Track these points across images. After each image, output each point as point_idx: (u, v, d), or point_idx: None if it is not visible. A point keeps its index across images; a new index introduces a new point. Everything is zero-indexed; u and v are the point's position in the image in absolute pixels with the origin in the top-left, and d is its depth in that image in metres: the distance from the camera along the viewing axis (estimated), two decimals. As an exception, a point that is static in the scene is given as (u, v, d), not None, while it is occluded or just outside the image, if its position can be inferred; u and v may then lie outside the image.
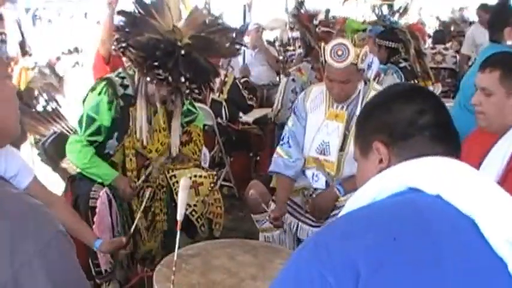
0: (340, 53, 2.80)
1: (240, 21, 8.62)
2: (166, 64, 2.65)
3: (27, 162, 2.33)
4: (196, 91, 2.84)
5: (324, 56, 2.85)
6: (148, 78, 2.77)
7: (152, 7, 2.71)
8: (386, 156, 1.16)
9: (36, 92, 3.36)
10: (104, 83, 2.87)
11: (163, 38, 2.67)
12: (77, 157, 2.90)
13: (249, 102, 4.66)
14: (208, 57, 2.81)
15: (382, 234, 0.97)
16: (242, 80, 5.32)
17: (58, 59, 5.11)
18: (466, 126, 2.46)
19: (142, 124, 2.89)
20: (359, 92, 2.96)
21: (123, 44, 2.71)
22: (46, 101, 3.34)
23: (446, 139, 1.15)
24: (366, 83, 3.03)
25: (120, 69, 3.00)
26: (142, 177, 3.00)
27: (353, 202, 1.13)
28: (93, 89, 2.89)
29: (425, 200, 1.02)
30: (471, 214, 0.98)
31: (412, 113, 1.15)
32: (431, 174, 1.05)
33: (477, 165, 2.04)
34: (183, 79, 2.69)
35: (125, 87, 2.89)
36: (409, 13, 5.73)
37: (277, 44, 8.08)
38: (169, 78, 2.68)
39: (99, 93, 2.85)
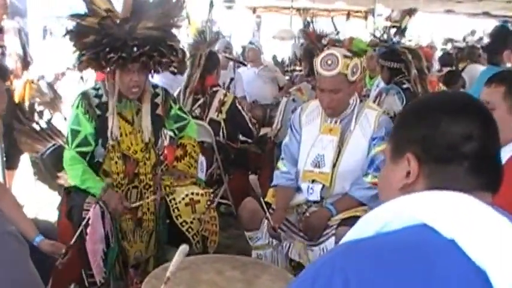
0: (329, 62, 2.86)
1: (249, 38, 8.76)
2: (116, 45, 2.79)
3: None
4: (158, 58, 2.92)
5: (316, 67, 2.92)
6: (108, 69, 2.91)
7: (85, 12, 2.84)
8: (416, 172, 1.06)
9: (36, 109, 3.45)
10: (79, 97, 3.02)
11: (104, 27, 2.80)
12: (71, 174, 3.01)
13: (251, 126, 4.56)
14: (159, 26, 2.92)
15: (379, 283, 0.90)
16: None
17: (63, 74, 5.18)
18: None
19: (109, 121, 2.97)
20: (353, 109, 3.01)
21: (82, 58, 2.86)
22: (47, 121, 3.43)
23: (485, 172, 1.04)
24: (361, 101, 3.09)
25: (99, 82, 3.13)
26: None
27: (364, 224, 1.03)
28: (72, 105, 3.04)
29: (437, 243, 0.92)
30: (485, 267, 0.89)
31: (458, 136, 1.03)
32: (450, 215, 0.94)
33: None
34: (135, 49, 2.81)
35: (100, 96, 3.01)
36: (412, 34, 5.73)
37: (288, 58, 8.14)
38: (123, 54, 2.80)
39: (77, 107, 2.99)
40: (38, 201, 3.86)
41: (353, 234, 1.03)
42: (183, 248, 2.11)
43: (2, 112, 1.38)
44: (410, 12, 5.52)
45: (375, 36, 5.49)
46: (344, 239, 1.04)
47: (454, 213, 0.95)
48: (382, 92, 4.52)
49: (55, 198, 3.49)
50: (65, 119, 3.58)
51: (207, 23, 4.64)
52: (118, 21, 2.83)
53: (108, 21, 2.81)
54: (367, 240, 0.98)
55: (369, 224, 1.01)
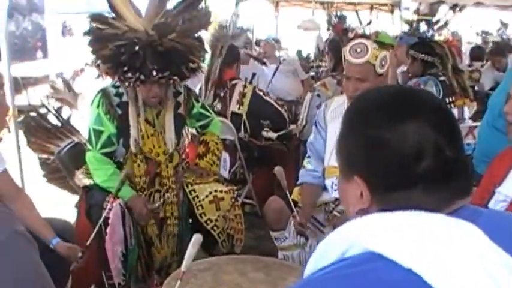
0: (358, 50, 2.79)
1: (271, 32, 8.73)
2: (134, 64, 2.66)
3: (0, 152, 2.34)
4: (179, 76, 2.82)
5: (344, 55, 2.85)
6: (126, 84, 2.77)
7: (107, 17, 2.73)
8: (367, 197, 0.93)
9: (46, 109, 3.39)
10: (99, 95, 2.91)
11: (125, 41, 2.68)
12: (97, 174, 2.92)
13: (279, 109, 4.35)
14: (183, 37, 2.78)
15: None
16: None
17: (82, 70, 5.16)
18: (494, 145, 2.36)
19: (132, 127, 2.88)
20: None
21: (100, 69, 2.75)
22: (56, 116, 3.36)
23: (447, 184, 0.89)
24: None
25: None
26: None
27: (325, 249, 0.92)
28: (91, 103, 2.93)
29: (394, 278, 0.81)
30: None
31: (406, 159, 0.87)
32: (407, 240, 0.82)
33: (500, 180, 1.95)
34: (154, 73, 2.68)
35: (120, 95, 2.91)
36: (449, 27, 5.60)
37: (314, 53, 8.05)
38: (141, 76, 2.69)
39: (97, 106, 2.88)
40: (53, 200, 3.80)
41: (316, 259, 0.92)
42: (197, 238, 2.01)
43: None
44: (454, 8, 5.43)
45: (411, 28, 5.40)
46: (310, 262, 0.93)
47: (408, 238, 0.82)
48: (421, 84, 4.39)
49: (69, 197, 3.42)
50: (82, 116, 3.51)
51: (232, 16, 4.54)
52: (139, 37, 2.68)
53: (129, 34, 2.69)
54: (322, 275, 0.87)
55: (330, 250, 0.90)
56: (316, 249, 0.92)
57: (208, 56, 4.35)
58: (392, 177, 0.89)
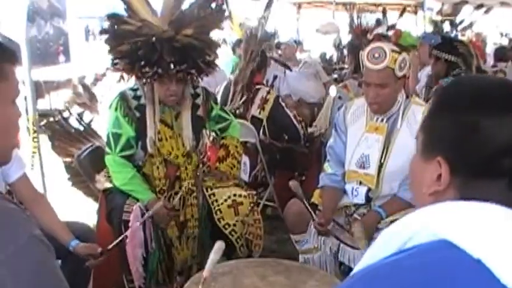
0: (376, 55, 2.73)
1: (293, 34, 8.71)
2: (151, 59, 2.66)
3: (20, 156, 2.35)
4: (196, 70, 2.81)
5: (362, 60, 2.79)
6: (144, 80, 2.78)
7: (123, 15, 2.74)
8: (447, 180, 0.92)
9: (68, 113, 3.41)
10: (117, 98, 2.91)
11: (141, 37, 2.68)
12: (117, 177, 2.92)
13: (296, 124, 4.33)
14: (199, 33, 2.78)
15: None
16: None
17: (104, 74, 5.19)
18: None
19: (148, 128, 2.87)
20: (400, 106, 2.85)
21: (115, 61, 2.78)
22: (78, 120, 3.38)
23: None
24: (407, 97, 2.93)
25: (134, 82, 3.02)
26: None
27: (387, 240, 0.89)
28: (110, 106, 2.94)
29: (462, 263, 0.78)
30: None
31: (497, 149, 0.87)
32: (478, 230, 0.80)
33: None
34: (172, 66, 2.69)
35: (138, 98, 2.91)
36: (473, 29, 5.51)
37: (337, 55, 8.01)
38: (159, 70, 2.68)
39: (115, 109, 2.89)
40: (74, 205, 3.82)
41: (375, 251, 0.90)
42: (219, 244, 2.00)
43: (16, 97, 1.34)
44: (478, 8, 5.34)
45: (435, 27, 5.32)
46: (366, 255, 0.91)
47: (482, 229, 0.80)
48: (443, 84, 4.33)
49: (90, 201, 3.43)
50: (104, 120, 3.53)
51: (261, 19, 4.52)
52: (155, 32, 2.70)
53: (146, 30, 2.70)
54: (386, 264, 0.85)
55: (392, 240, 0.88)
56: (376, 241, 0.91)
57: (237, 59, 4.36)
58: (480, 164, 0.89)
